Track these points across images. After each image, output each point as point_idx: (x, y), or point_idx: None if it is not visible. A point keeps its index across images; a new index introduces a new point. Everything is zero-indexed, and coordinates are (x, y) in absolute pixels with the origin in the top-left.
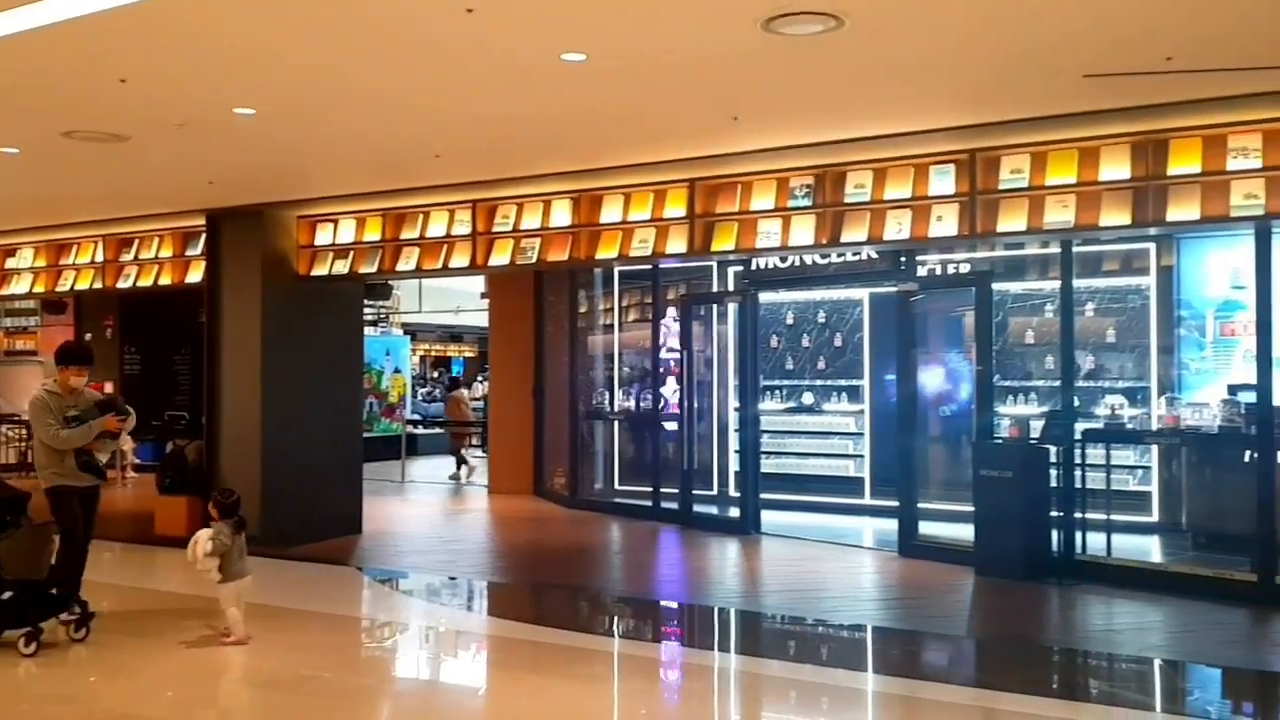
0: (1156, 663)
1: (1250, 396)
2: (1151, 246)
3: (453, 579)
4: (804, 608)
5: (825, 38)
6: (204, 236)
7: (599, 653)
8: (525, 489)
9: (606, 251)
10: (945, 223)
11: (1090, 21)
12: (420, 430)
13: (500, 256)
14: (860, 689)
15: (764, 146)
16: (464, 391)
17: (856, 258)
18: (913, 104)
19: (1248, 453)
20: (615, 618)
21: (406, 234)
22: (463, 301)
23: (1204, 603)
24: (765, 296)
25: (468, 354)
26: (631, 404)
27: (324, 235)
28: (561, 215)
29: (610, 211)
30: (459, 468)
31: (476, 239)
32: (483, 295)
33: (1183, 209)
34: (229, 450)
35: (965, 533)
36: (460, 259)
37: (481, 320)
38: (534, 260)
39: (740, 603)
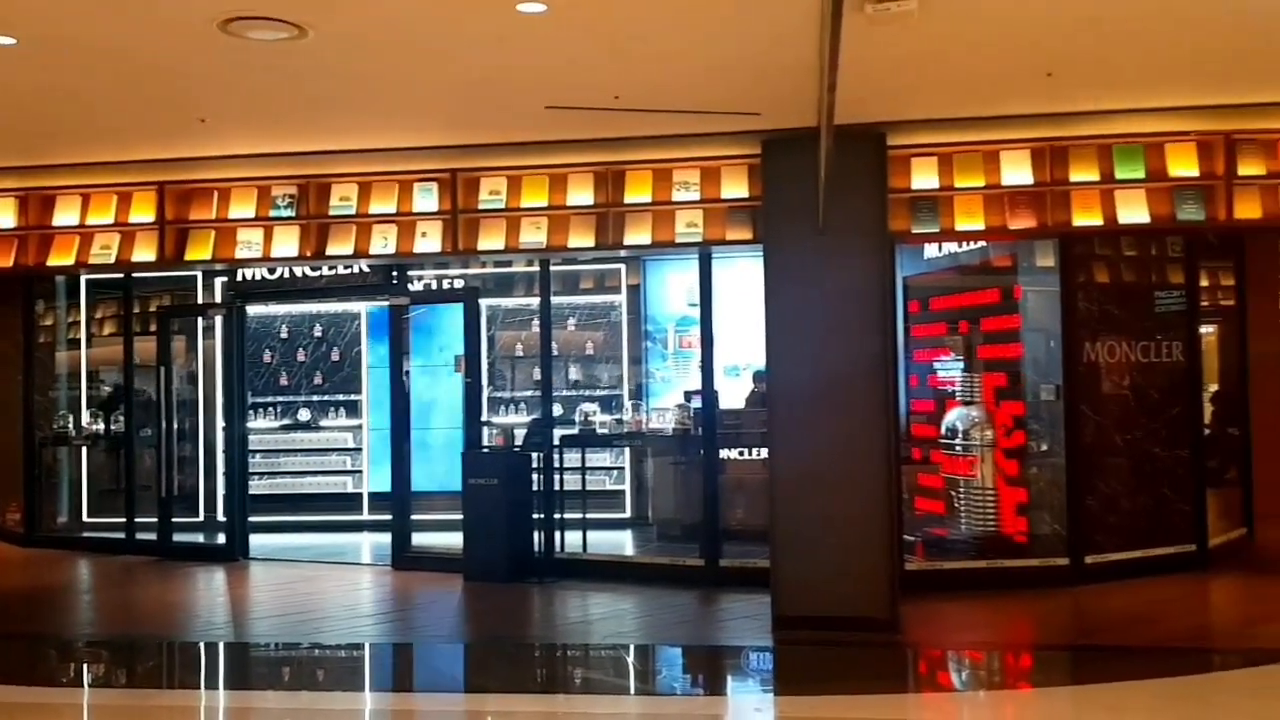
0: (628, 648)
1: (699, 402)
2: (622, 267)
3: None
4: (295, 632)
5: (290, 45)
6: None
7: (56, 705)
8: None
9: (61, 258)
10: (430, 239)
11: (544, 57)
12: None
13: None
14: (356, 709)
15: (241, 152)
16: None
17: (349, 270)
18: (392, 120)
19: (697, 451)
20: (77, 665)
21: None
22: None
23: (665, 588)
24: (255, 309)
25: None
26: (102, 426)
27: None
28: (4, 217)
29: (66, 214)
30: None
31: None
32: None
33: (638, 234)
34: None
35: (457, 541)
36: None
37: None
38: None
39: (226, 634)
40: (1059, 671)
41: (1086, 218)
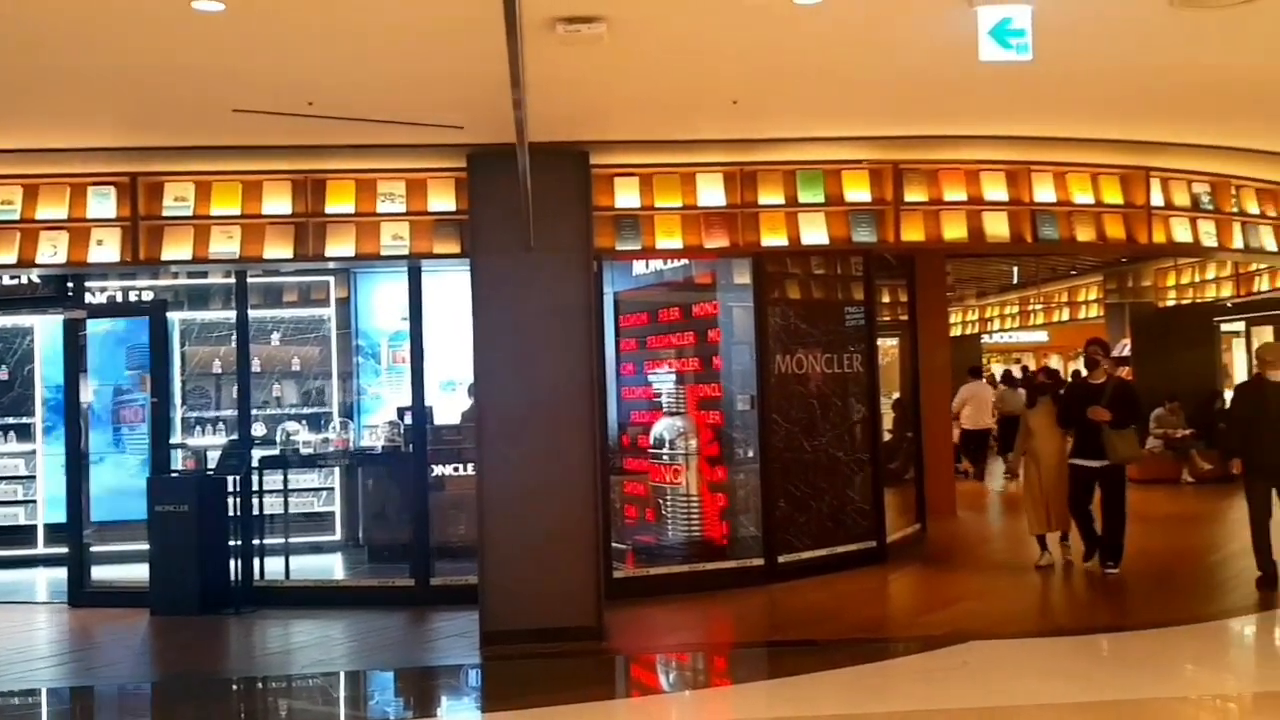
0: (332, 675)
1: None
2: (330, 280)
3: None
4: None
5: None
6: None
7: None
8: None
9: None
10: (107, 247)
11: (227, 57)
12: None
13: None
14: None
15: None
16: None
17: (16, 281)
18: (59, 117)
19: (409, 469)
20: None
21: None
22: None
23: (376, 611)
24: None
25: None
26: None
27: None
28: None
29: None
30: None
31: None
32: None
33: (340, 245)
34: None
35: (145, 573)
36: None
37: None
38: None
39: None
40: (755, 668)
41: (774, 238)
